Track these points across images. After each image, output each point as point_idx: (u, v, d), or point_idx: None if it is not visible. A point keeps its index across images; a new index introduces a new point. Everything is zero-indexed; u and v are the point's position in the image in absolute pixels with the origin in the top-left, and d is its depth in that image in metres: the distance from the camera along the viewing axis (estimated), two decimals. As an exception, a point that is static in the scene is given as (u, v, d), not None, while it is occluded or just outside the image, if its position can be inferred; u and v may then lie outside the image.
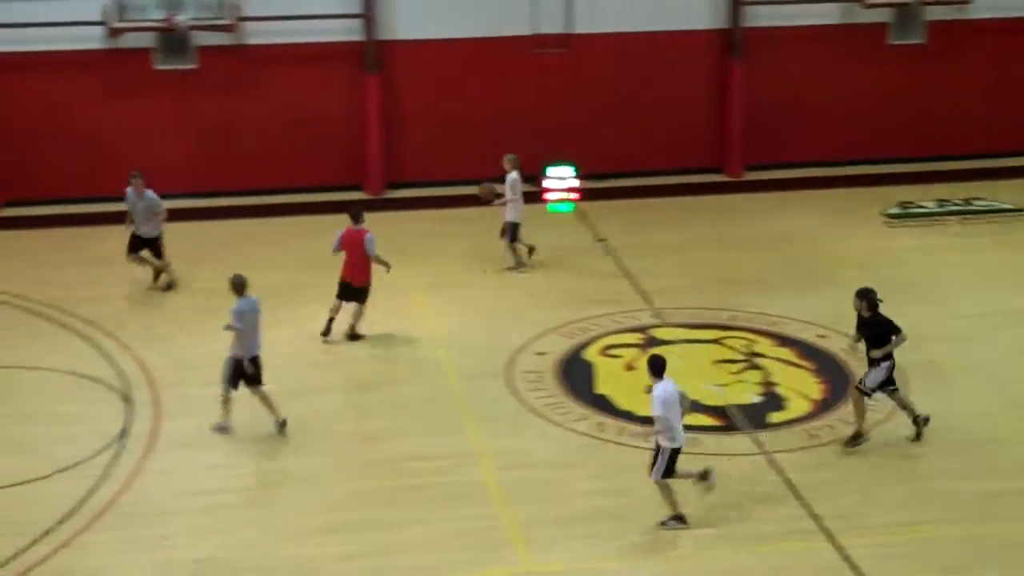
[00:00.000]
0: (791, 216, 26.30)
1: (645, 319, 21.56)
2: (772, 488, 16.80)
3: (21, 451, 17.56)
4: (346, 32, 26.31)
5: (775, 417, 18.55)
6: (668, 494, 16.09)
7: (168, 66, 26.04)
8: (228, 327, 17.70)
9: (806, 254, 24.38)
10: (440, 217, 26.02)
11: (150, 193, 22.16)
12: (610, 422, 18.45)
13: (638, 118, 27.58)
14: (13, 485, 16.74)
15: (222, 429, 18.00)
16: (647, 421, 18.24)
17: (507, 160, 23.28)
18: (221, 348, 18.57)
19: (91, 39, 25.62)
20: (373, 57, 26.31)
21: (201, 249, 23.86)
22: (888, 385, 17.75)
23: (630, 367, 19.99)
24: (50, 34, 25.35)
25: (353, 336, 20.90)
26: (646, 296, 22.37)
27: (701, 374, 19.56)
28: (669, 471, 15.99)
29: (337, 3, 26.19)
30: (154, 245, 22.40)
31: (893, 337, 17.45)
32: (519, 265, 23.51)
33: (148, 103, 26.14)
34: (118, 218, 24.75)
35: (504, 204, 23.16)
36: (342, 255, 20.68)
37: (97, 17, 25.35)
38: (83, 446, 17.57)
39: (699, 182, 27.86)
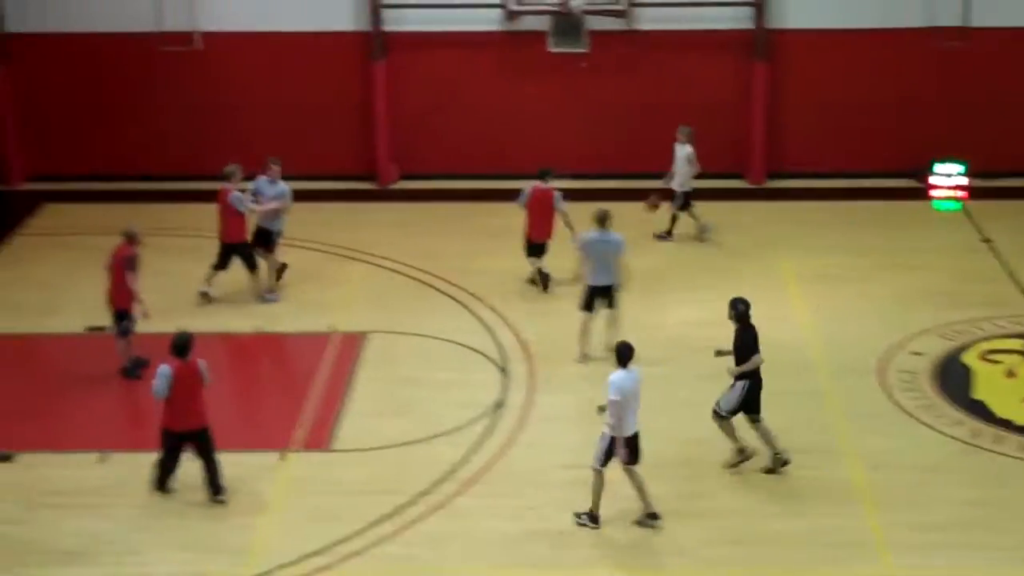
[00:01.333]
0: None
1: (1030, 325, 20.86)
2: None
3: (404, 414, 18.44)
4: (736, 20, 26.32)
5: None
6: (597, 487, 15.90)
7: (561, 49, 26.65)
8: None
9: None
10: (820, 208, 25.70)
11: (282, 184, 21.69)
12: (986, 429, 17.93)
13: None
14: (396, 446, 17.64)
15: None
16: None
17: (681, 132, 23.63)
18: (600, 328, 19.49)
19: (489, 21, 26.48)
20: (762, 46, 26.24)
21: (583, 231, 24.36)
22: (749, 412, 16.72)
23: (1011, 374, 19.38)
24: (450, 15, 26.38)
25: (542, 276, 21.91)
26: (1033, 301, 21.63)
27: (1086, 386, 18.81)
28: (606, 459, 15.85)
29: (729, -10, 26.30)
30: (269, 240, 21.86)
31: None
32: (704, 231, 24.08)
33: (541, 85, 26.86)
34: (503, 195, 25.58)
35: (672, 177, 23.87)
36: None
37: (497, 0, 26.17)
38: (461, 413, 18.31)
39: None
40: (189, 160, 26.73)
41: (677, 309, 21.37)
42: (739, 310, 16.69)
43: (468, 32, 26.57)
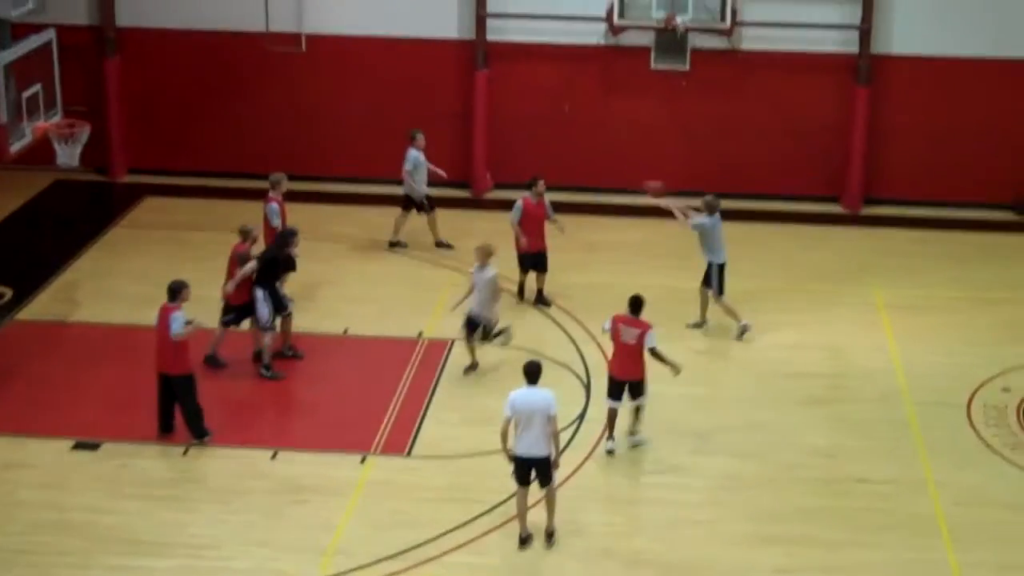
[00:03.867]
0: None
1: None
2: None
3: (485, 423, 18.14)
4: (840, 43, 26.10)
5: None
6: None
7: (663, 66, 26.64)
8: None
9: None
10: (916, 238, 25.32)
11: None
12: (1075, 470, 17.68)
13: None
14: (474, 455, 17.70)
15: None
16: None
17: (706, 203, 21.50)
18: (690, 346, 19.80)
19: (593, 34, 26.48)
20: (866, 70, 26.01)
21: (677, 248, 24.25)
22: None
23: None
24: (554, 27, 26.44)
25: (541, 300, 22.03)
26: None
27: None
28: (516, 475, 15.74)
29: (835, 13, 26.04)
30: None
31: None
32: None
33: (641, 101, 26.84)
34: (598, 209, 25.63)
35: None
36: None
37: (601, 14, 26.17)
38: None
39: None
40: (287, 161, 26.98)
41: (766, 333, 21.24)
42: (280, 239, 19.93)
43: (571, 45, 26.62)
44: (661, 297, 21.53)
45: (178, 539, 15.89)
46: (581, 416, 18.72)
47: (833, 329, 21.55)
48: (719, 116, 26.58)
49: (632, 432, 17.99)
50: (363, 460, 17.63)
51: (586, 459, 17.73)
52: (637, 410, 17.91)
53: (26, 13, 20.58)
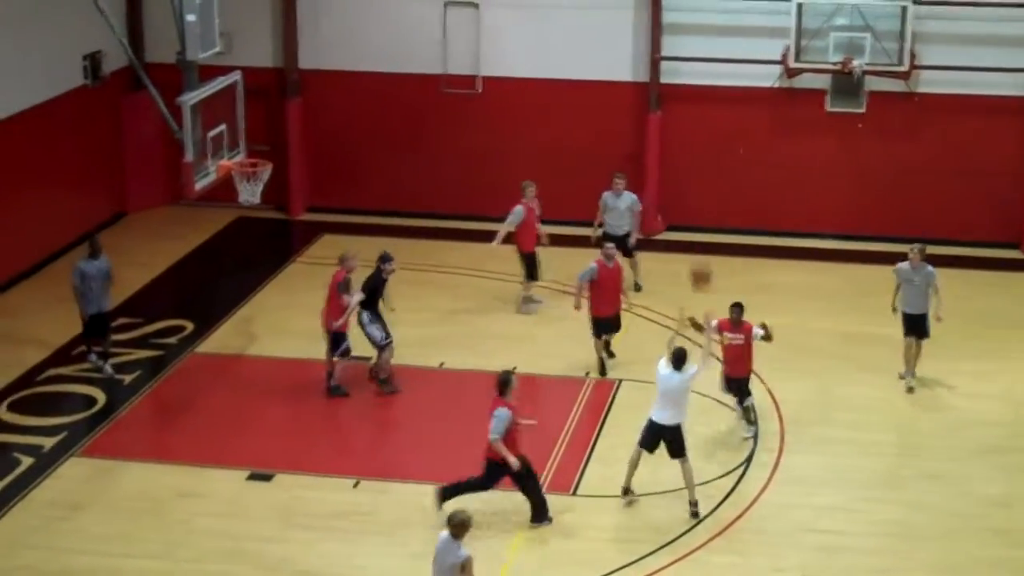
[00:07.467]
0: None
1: None
2: None
3: (651, 463, 18.24)
4: (1022, 87, 25.63)
5: None
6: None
7: (839, 109, 26.42)
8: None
9: None
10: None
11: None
12: None
13: None
14: (641, 495, 17.65)
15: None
16: None
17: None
18: (862, 392, 19.40)
19: (767, 77, 26.39)
20: (1048, 113, 25.52)
21: (850, 292, 24.03)
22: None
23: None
24: (728, 70, 26.40)
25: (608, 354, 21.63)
26: None
27: None
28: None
29: (1016, 57, 25.55)
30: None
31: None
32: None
33: (816, 143, 26.64)
34: (770, 252, 25.44)
35: None
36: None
37: (776, 56, 26.05)
38: (708, 467, 18.24)
39: None
40: (462, 199, 27.43)
41: (943, 381, 20.84)
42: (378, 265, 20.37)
43: (745, 87, 26.56)
44: (832, 341, 21.41)
45: (345, 570, 16.11)
46: (748, 460, 18.56)
47: (1013, 378, 21.06)
48: (895, 159, 26.28)
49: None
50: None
51: (752, 503, 17.58)
52: (746, 411, 19.14)
53: (213, 55, 21.23)
